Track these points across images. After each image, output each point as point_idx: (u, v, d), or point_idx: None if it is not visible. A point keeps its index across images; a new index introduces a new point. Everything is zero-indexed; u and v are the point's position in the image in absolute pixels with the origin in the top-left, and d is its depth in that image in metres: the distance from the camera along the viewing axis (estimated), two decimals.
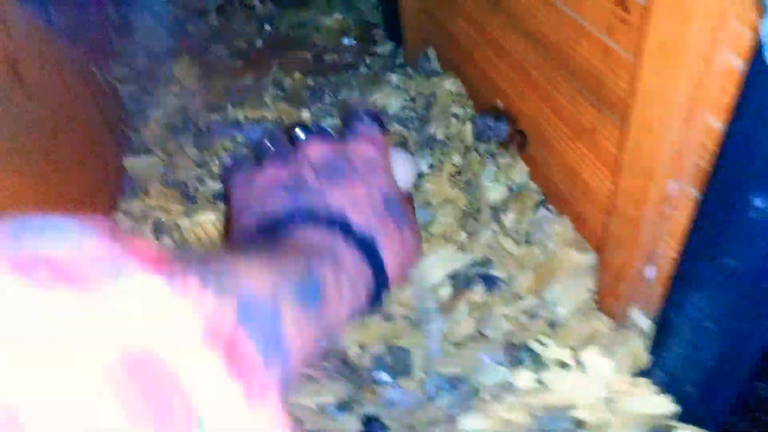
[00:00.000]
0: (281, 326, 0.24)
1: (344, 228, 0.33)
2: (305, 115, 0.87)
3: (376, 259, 0.34)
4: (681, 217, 0.47)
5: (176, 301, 0.18)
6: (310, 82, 0.97)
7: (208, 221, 0.72)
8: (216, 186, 0.77)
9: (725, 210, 0.39)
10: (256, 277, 0.25)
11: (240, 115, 0.87)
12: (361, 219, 0.34)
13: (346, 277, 0.31)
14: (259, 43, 1.12)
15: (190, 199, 0.77)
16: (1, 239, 0.17)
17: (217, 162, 0.80)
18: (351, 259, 0.32)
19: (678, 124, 0.43)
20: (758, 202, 0.36)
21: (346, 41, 1.08)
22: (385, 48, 1.07)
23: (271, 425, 0.20)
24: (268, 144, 0.35)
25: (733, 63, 0.38)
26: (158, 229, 0.74)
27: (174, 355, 0.17)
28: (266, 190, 0.34)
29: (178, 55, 1.08)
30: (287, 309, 0.26)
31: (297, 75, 0.99)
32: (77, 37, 0.87)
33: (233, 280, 0.23)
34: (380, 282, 0.35)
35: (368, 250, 0.34)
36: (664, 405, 0.51)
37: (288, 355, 0.25)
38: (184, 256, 0.22)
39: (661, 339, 0.52)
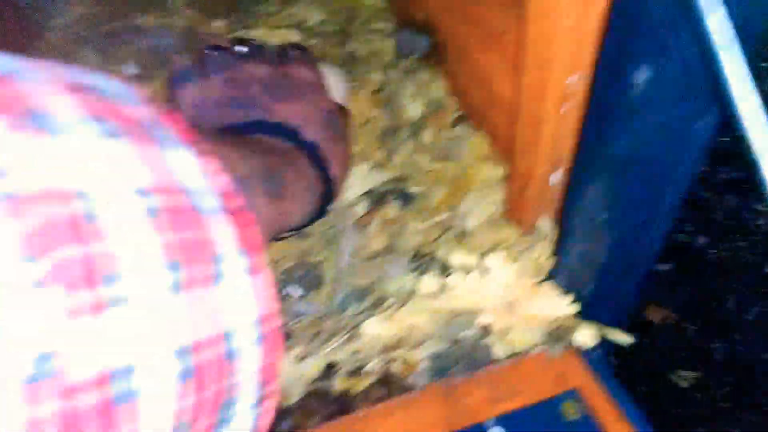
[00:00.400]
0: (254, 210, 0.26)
1: (296, 139, 0.37)
2: (217, 23, 0.81)
3: (324, 169, 0.38)
4: (580, 113, 0.46)
5: (204, 168, 0.21)
6: None
7: None
8: None
9: (608, 93, 0.37)
10: (238, 163, 0.28)
11: (146, 21, 0.80)
12: (309, 133, 0.38)
13: (301, 181, 0.35)
14: None
15: None
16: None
17: (121, 70, 0.74)
18: (304, 166, 0.36)
19: (573, 7, 0.41)
20: (637, 77, 0.34)
21: None
22: None
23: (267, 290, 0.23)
24: (214, 54, 0.37)
25: None
26: None
27: (205, 212, 0.20)
28: (219, 104, 0.36)
29: None
30: (258, 196, 0.29)
31: None
32: None
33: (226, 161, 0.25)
34: (328, 189, 0.39)
35: (317, 159, 0.37)
36: (565, 306, 0.51)
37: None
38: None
39: (563, 242, 0.51)
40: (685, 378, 1.39)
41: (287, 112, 0.37)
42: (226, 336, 0.19)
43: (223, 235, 0.20)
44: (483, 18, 0.60)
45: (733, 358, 1.39)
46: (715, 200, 1.73)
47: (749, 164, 0.25)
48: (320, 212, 0.40)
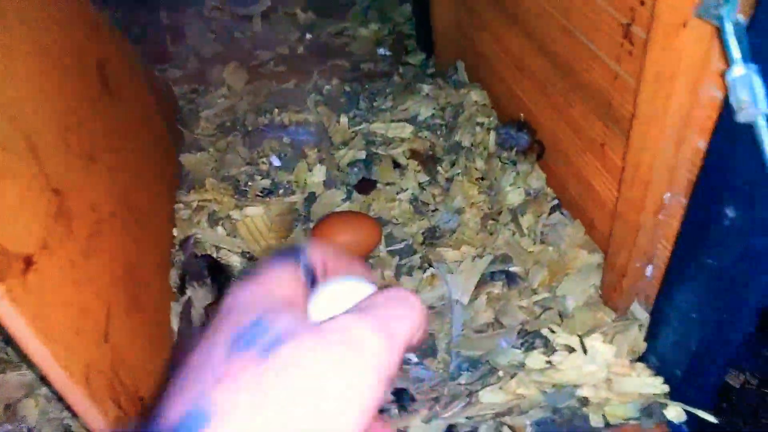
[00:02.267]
0: None
1: None
2: (343, 120, 0.96)
3: None
4: (674, 222, 0.55)
5: None
6: (347, 88, 1.06)
7: (256, 214, 0.82)
8: (264, 182, 0.87)
9: (705, 218, 0.46)
10: None
11: (285, 118, 0.96)
12: None
13: None
14: (300, 49, 1.21)
15: (240, 193, 0.86)
16: None
17: (264, 160, 0.90)
18: None
19: (671, 144, 0.51)
20: (730, 212, 0.43)
21: (381, 51, 1.17)
22: (417, 58, 1.15)
23: None
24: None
25: (716, 95, 0.45)
26: (212, 220, 0.84)
27: None
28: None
29: (226, 59, 1.18)
30: None
31: (335, 81, 1.08)
32: (138, 41, 0.96)
33: None
34: None
35: None
36: (656, 385, 0.59)
37: None
38: None
39: (655, 328, 0.60)
40: None
41: None
42: None
43: None
44: (582, 128, 0.70)
45: None
46: None
47: None
48: None
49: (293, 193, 0.86)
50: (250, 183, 0.87)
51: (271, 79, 1.11)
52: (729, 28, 0.38)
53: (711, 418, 0.55)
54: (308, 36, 1.23)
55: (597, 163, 0.69)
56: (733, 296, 0.48)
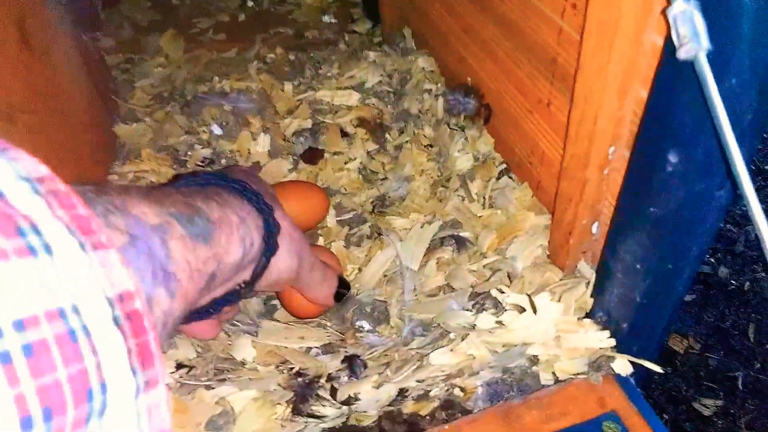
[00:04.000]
0: (168, 254, 0.27)
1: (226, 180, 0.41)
2: (288, 87, 0.93)
3: (262, 205, 0.41)
4: (619, 177, 0.55)
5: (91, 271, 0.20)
6: (291, 56, 1.02)
7: None
8: (205, 152, 0.83)
9: (647, 166, 0.46)
10: (144, 210, 0.27)
11: (226, 85, 0.92)
12: (254, 185, 0.43)
13: (234, 216, 0.36)
14: (241, 17, 1.16)
15: (180, 164, 0.82)
16: None
17: (205, 129, 0.85)
18: (236, 201, 0.38)
19: (614, 96, 0.50)
20: (672, 158, 0.43)
21: (326, 18, 1.13)
22: (363, 26, 1.12)
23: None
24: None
25: (657, 40, 0.45)
26: None
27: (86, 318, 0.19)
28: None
29: (163, 27, 1.12)
30: (176, 239, 0.28)
31: (279, 50, 1.04)
32: (66, 5, 0.90)
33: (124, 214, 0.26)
34: (270, 225, 0.42)
35: (250, 195, 0.40)
36: (603, 340, 0.60)
37: (174, 281, 0.27)
38: (95, 200, 0.25)
39: (601, 284, 0.60)
40: (708, 406, 1.44)
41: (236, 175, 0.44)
42: (61, 313, 0.18)
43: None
44: (529, 89, 0.70)
45: (755, 387, 1.44)
46: (737, 232, 1.79)
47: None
48: (269, 248, 0.42)
49: (236, 163, 0.83)
50: (189, 153, 0.83)
51: (210, 47, 1.06)
52: None
53: (656, 368, 0.56)
54: (249, 3, 1.18)
55: (543, 123, 0.68)
56: (676, 243, 0.49)
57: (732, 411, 1.44)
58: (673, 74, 0.42)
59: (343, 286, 0.63)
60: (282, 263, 0.45)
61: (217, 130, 0.84)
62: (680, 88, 0.42)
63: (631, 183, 0.51)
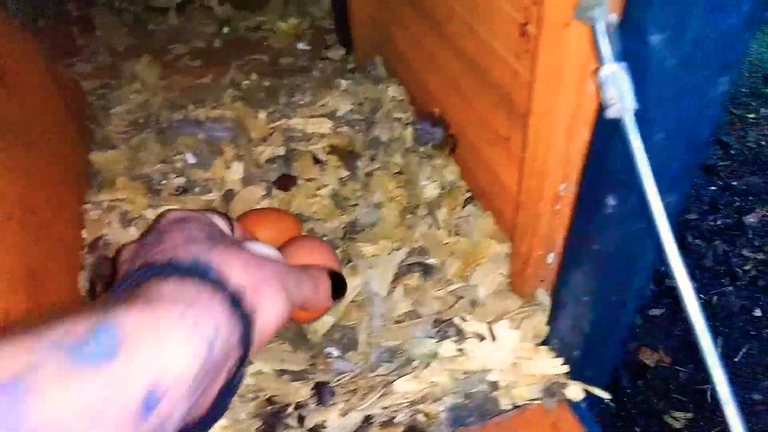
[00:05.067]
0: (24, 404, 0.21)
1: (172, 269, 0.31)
2: (262, 115, 0.95)
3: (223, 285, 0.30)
4: (569, 211, 0.58)
5: None
6: (266, 83, 1.05)
7: None
8: (179, 181, 0.85)
9: (590, 206, 0.49)
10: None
11: (201, 114, 0.94)
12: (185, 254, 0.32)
13: (173, 313, 0.26)
14: (217, 43, 1.18)
15: (154, 192, 0.84)
16: None
17: (179, 158, 0.87)
18: (184, 290, 0.28)
19: (562, 137, 0.54)
20: (611, 200, 0.47)
21: (300, 45, 1.16)
22: (337, 53, 1.15)
23: None
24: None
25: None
26: (124, 220, 0.81)
27: None
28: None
29: (140, 52, 1.14)
30: (46, 375, 0.22)
31: (254, 76, 1.07)
32: (42, 33, 0.91)
33: None
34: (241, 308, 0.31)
35: (204, 274, 0.30)
36: (557, 366, 0.63)
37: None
38: None
39: (555, 313, 0.63)
40: (678, 419, 1.47)
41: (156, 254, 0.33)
42: None
43: None
44: (490, 123, 0.73)
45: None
46: (705, 246, 1.84)
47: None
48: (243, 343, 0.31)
49: (210, 191, 0.85)
50: (164, 181, 0.85)
51: (186, 74, 1.08)
52: (600, 28, 0.40)
53: (605, 395, 0.59)
54: (225, 29, 1.20)
55: (503, 156, 0.72)
56: (618, 279, 0.52)
57: (701, 423, 1.48)
58: (608, 124, 0.45)
59: (338, 280, 0.55)
60: (270, 318, 0.35)
61: (191, 159, 0.86)
62: (615, 138, 0.45)
63: (578, 220, 0.54)
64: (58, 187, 0.78)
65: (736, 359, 1.58)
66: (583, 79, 0.50)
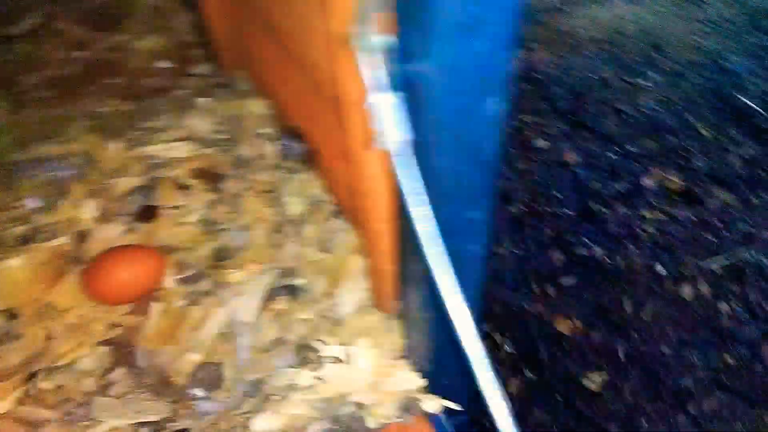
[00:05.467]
0: None
1: None
2: (117, 145, 0.90)
3: None
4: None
5: None
6: (124, 108, 0.99)
7: (14, 266, 0.74)
8: (21, 229, 0.79)
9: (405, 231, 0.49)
10: None
11: (46, 150, 0.88)
12: None
13: None
14: (71, 70, 1.11)
15: (0, 241, 0.78)
16: None
17: (20, 204, 0.82)
18: None
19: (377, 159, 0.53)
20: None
21: (162, 64, 1.11)
22: (204, 68, 1.11)
23: None
24: None
25: None
26: None
27: None
28: None
29: None
30: None
31: (111, 101, 1.01)
32: None
33: None
34: None
35: None
36: (415, 381, 0.63)
37: None
38: None
39: (406, 326, 0.63)
40: (594, 381, 1.54)
41: None
42: None
43: None
44: (333, 137, 0.72)
45: (635, 356, 1.55)
46: (608, 212, 1.91)
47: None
48: None
49: (56, 236, 0.79)
50: (2, 232, 0.79)
51: (38, 106, 1.01)
52: (365, 54, 0.39)
53: (456, 407, 0.60)
54: (78, 54, 1.13)
55: (349, 173, 0.70)
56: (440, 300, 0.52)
57: (616, 383, 1.54)
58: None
59: None
60: None
61: (33, 203, 0.81)
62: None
63: (403, 240, 0.53)
64: None
65: (643, 316, 1.65)
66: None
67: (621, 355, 1.63)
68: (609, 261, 1.81)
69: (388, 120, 0.39)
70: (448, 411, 0.62)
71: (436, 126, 0.41)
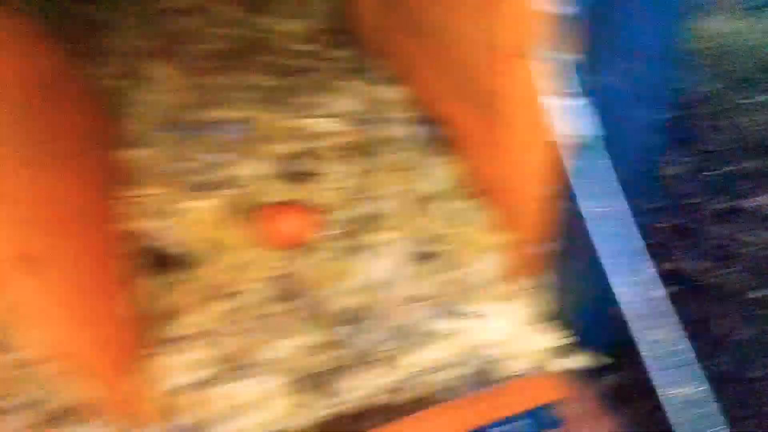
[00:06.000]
0: None
1: None
2: (270, 116, 1.03)
3: None
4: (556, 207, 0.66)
5: None
6: (274, 83, 1.12)
7: (202, 207, 0.88)
8: (197, 179, 0.93)
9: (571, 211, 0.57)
10: None
11: (216, 114, 1.02)
12: None
13: None
14: (222, 46, 1.24)
15: (187, 188, 0.92)
16: None
17: (195, 158, 0.96)
18: None
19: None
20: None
21: (305, 46, 1.22)
22: (344, 53, 1.22)
23: None
24: None
25: None
26: (156, 215, 0.89)
27: None
28: None
29: (159, 54, 1.20)
30: None
31: (262, 77, 1.14)
32: (65, 38, 0.97)
33: None
34: None
35: None
36: (552, 340, 0.71)
37: None
38: None
39: (555, 293, 0.71)
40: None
41: None
42: None
43: None
44: (485, 126, 0.80)
45: (722, 377, 1.55)
46: (704, 231, 1.89)
47: None
48: None
49: (229, 187, 0.92)
50: (191, 177, 0.93)
51: (203, 74, 1.14)
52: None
53: (606, 359, 0.68)
54: (226, 31, 1.25)
55: (495, 155, 0.79)
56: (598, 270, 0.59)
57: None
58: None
59: None
60: None
61: (207, 158, 0.95)
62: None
63: (565, 221, 0.62)
64: (88, 183, 0.84)
65: (732, 338, 1.63)
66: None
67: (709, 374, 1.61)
68: (700, 280, 1.80)
69: (573, 119, 0.47)
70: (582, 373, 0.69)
71: (613, 126, 0.49)
